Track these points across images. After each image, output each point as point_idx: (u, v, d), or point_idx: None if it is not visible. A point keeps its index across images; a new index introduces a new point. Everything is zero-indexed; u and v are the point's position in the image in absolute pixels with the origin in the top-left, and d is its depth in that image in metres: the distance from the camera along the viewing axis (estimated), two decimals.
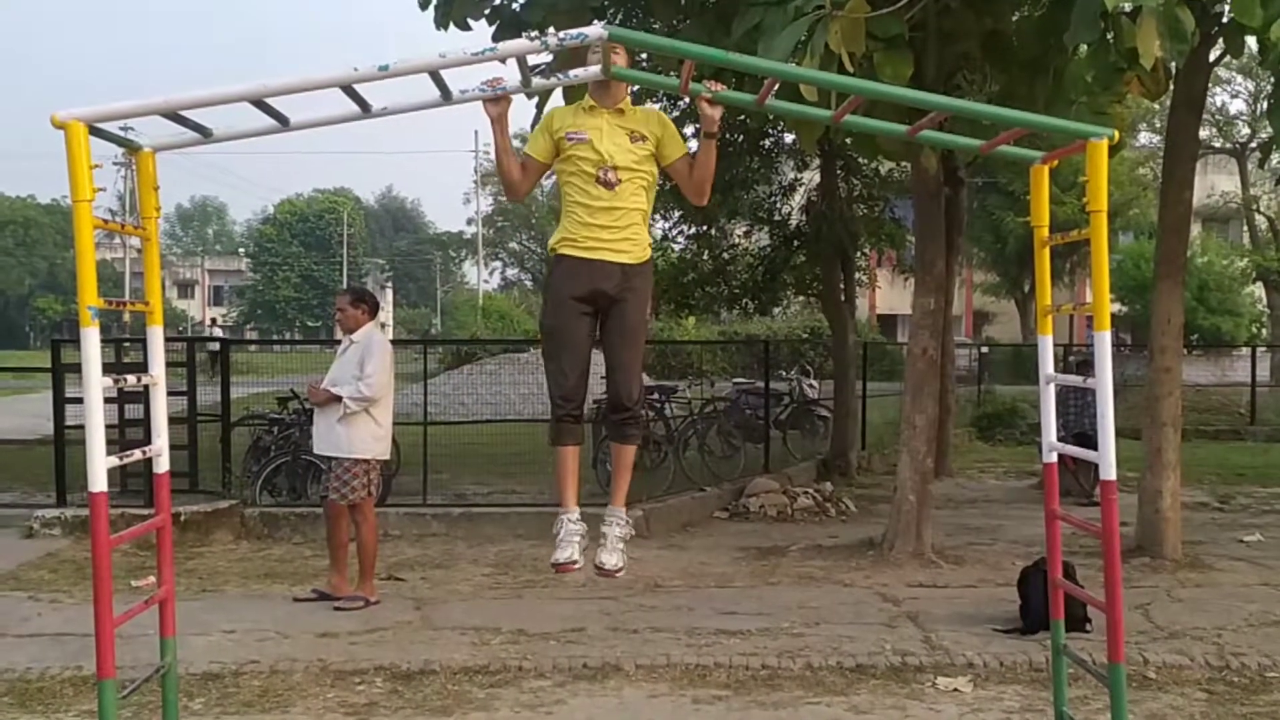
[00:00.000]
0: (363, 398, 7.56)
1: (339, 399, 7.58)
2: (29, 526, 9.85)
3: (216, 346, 13.09)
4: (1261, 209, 35.23)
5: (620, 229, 4.63)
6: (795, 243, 16.07)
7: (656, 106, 15.12)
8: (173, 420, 7.62)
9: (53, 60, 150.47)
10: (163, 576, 4.41)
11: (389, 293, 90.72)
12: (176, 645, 4.52)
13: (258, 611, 7.46)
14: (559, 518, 4.66)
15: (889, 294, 33.73)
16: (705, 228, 16.09)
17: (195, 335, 48.11)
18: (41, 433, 13.57)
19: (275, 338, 60.57)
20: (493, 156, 5.04)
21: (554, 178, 4.93)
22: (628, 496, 4.84)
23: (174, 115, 3.95)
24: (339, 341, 8.28)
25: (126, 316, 37.35)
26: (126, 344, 12.48)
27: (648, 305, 4.87)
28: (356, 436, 7.62)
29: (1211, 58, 9.48)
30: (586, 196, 4.62)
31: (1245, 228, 37.51)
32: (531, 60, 4.58)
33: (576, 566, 4.59)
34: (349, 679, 6.07)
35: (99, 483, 3.74)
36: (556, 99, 8.36)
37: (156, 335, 4.32)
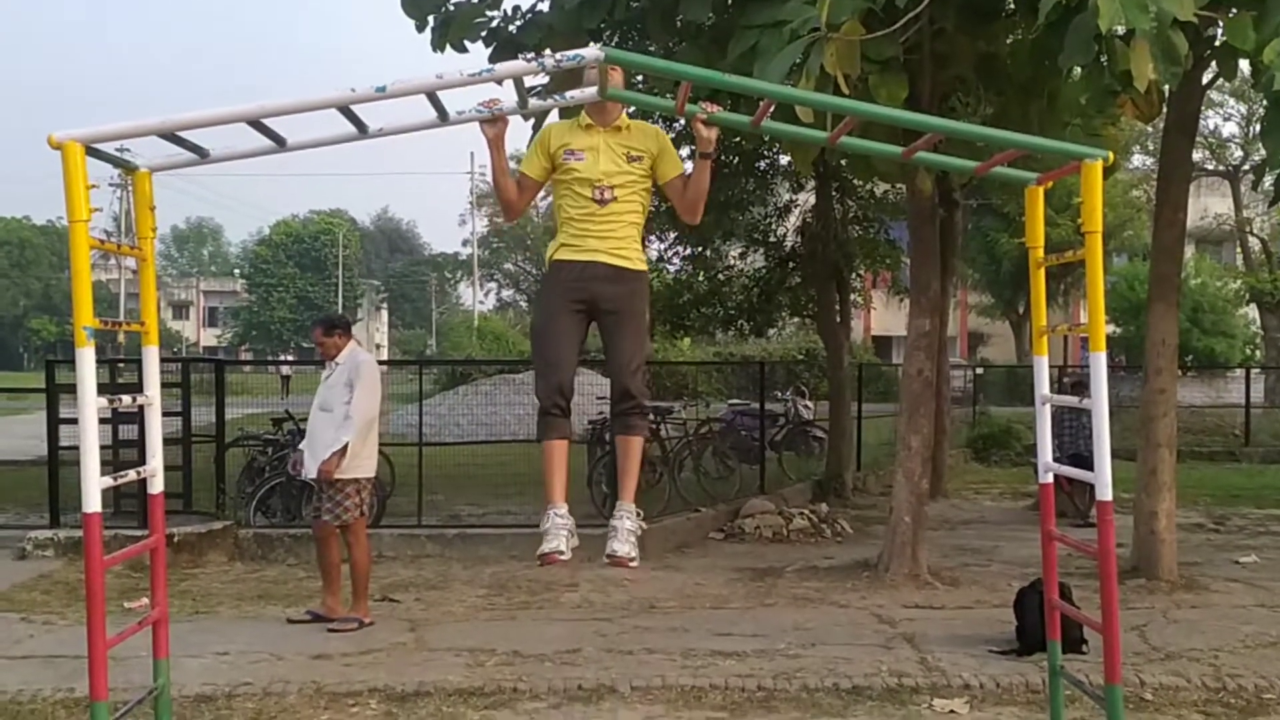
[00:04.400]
0: (356, 432, 7.56)
1: (343, 452, 7.55)
2: (22, 548, 9.80)
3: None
4: (1255, 231, 35.41)
5: (616, 238, 4.67)
6: (790, 264, 16.11)
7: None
8: (167, 441, 7.64)
9: (50, 82, 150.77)
10: (156, 598, 4.40)
11: (384, 314, 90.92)
12: (170, 667, 4.50)
13: (251, 633, 7.43)
14: (546, 512, 4.62)
15: (884, 315, 33.86)
16: (700, 249, 16.13)
17: (190, 356, 48.12)
18: (35, 454, 13.53)
19: (270, 359, 60.48)
20: (489, 178, 5.07)
21: (549, 199, 4.96)
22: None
23: (171, 136, 3.96)
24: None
25: (121, 337, 37.32)
26: (121, 365, 12.48)
27: (645, 304, 4.87)
28: (349, 456, 7.60)
29: (1205, 80, 9.53)
30: (582, 212, 4.66)
31: (1239, 250, 37.68)
32: (528, 81, 4.61)
33: (563, 558, 4.54)
34: (343, 701, 6.03)
35: (93, 503, 3.73)
36: (553, 120, 8.42)
37: (152, 355, 4.32)
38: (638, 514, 4.75)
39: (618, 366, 4.75)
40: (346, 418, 7.56)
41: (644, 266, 4.81)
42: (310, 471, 7.75)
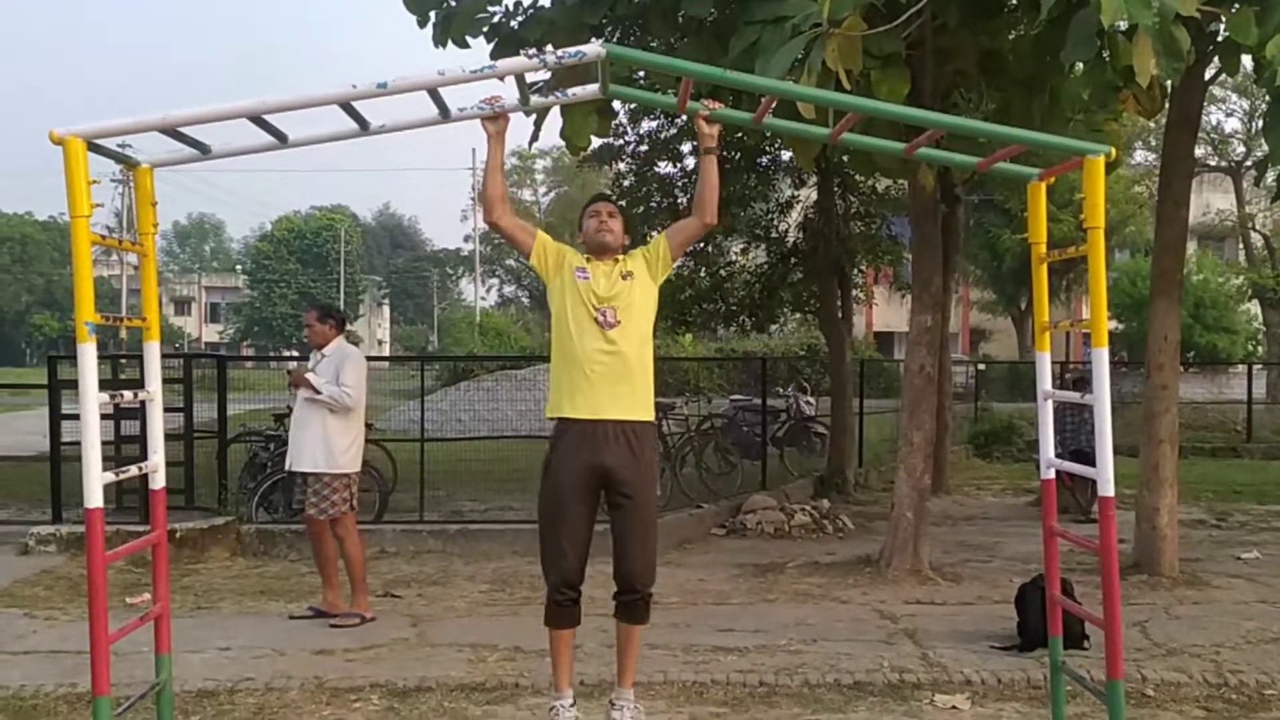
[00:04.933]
0: (342, 404, 7.57)
1: (315, 390, 7.55)
2: (24, 543, 9.81)
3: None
4: (1257, 227, 35.36)
5: (623, 382, 4.77)
6: (792, 260, 16.10)
7: (655, 125, 15.20)
8: (169, 437, 7.65)
9: (51, 78, 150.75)
10: (158, 593, 4.41)
11: (386, 310, 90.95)
12: (172, 662, 4.51)
13: (253, 628, 7.44)
14: (553, 706, 4.81)
15: (886, 311, 33.79)
16: (702, 245, 16.12)
17: (192, 352, 48.08)
18: (37, 449, 13.54)
19: (272, 354, 60.50)
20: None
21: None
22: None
23: (172, 132, 3.97)
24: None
25: (123, 333, 37.36)
26: (123, 360, 12.49)
27: (657, 482, 4.99)
28: (337, 450, 7.60)
29: (1207, 76, 9.51)
30: (583, 343, 4.77)
31: (1241, 245, 37.64)
32: (530, 78, 4.61)
33: None
34: (345, 696, 6.04)
35: (95, 499, 3.74)
36: (555, 117, 8.42)
37: (153, 351, 4.32)
38: (637, 706, 4.87)
39: (625, 558, 4.86)
40: (340, 384, 7.58)
41: (653, 413, 4.95)
42: (295, 465, 7.75)
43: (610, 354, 4.75)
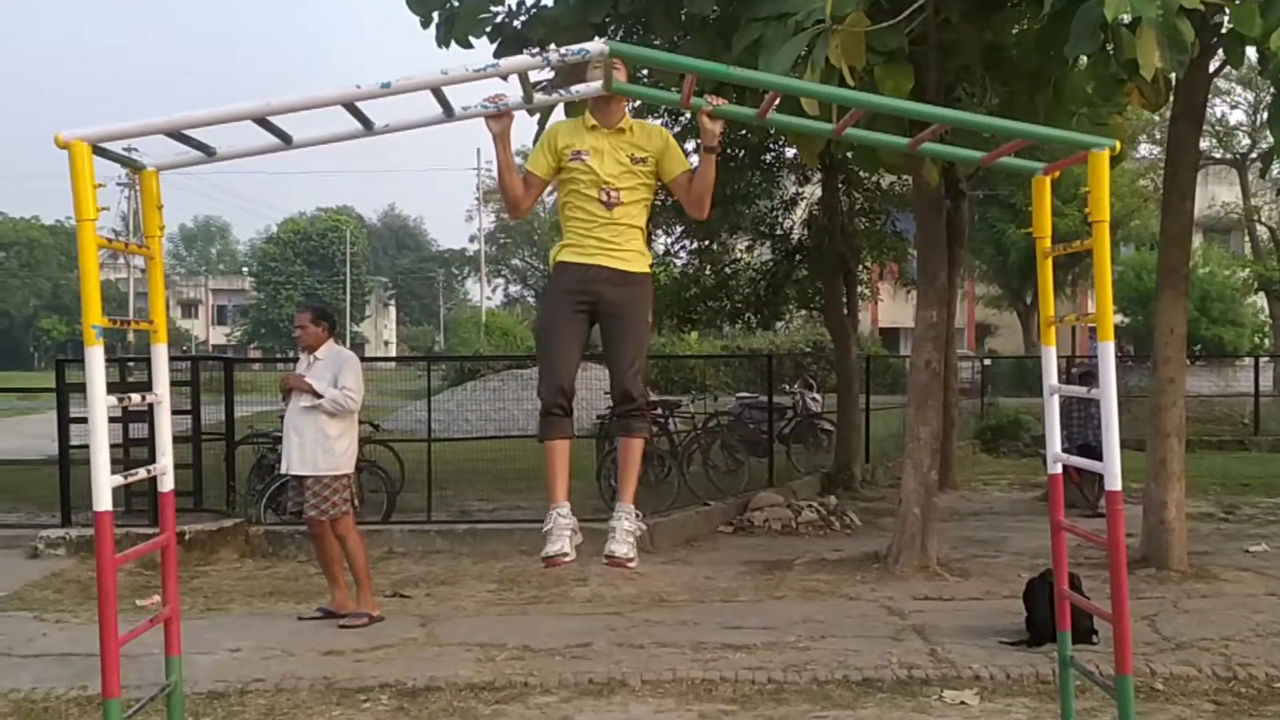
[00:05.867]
0: (343, 408, 7.59)
1: (317, 395, 7.56)
2: (34, 547, 9.85)
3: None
4: (1263, 219, 35.26)
5: (619, 242, 4.70)
6: (797, 257, 16.08)
7: (658, 122, 15.19)
8: (177, 439, 7.63)
9: (55, 82, 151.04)
10: (167, 595, 4.41)
11: (392, 310, 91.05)
12: (182, 664, 4.52)
13: (263, 629, 7.45)
14: (549, 512, 4.62)
15: (891, 307, 33.78)
16: (707, 242, 16.12)
17: (200, 354, 48.21)
18: (46, 453, 13.56)
19: (279, 356, 60.59)
20: (495, 174, 5.08)
21: (555, 195, 4.99)
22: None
23: (177, 135, 3.97)
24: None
25: (131, 337, 37.43)
26: (131, 364, 12.52)
27: (649, 306, 4.90)
28: (337, 451, 7.62)
29: (1211, 68, 9.50)
30: (586, 214, 4.69)
31: (1247, 238, 37.53)
32: (533, 76, 4.60)
33: (567, 559, 4.55)
34: (354, 696, 6.05)
35: (103, 502, 3.74)
36: (558, 115, 8.42)
37: (161, 354, 4.33)
38: (637, 515, 4.77)
39: (618, 369, 4.77)
40: (340, 387, 7.59)
41: (647, 269, 4.83)
42: (291, 468, 7.76)
43: (608, 223, 4.68)
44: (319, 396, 7.57)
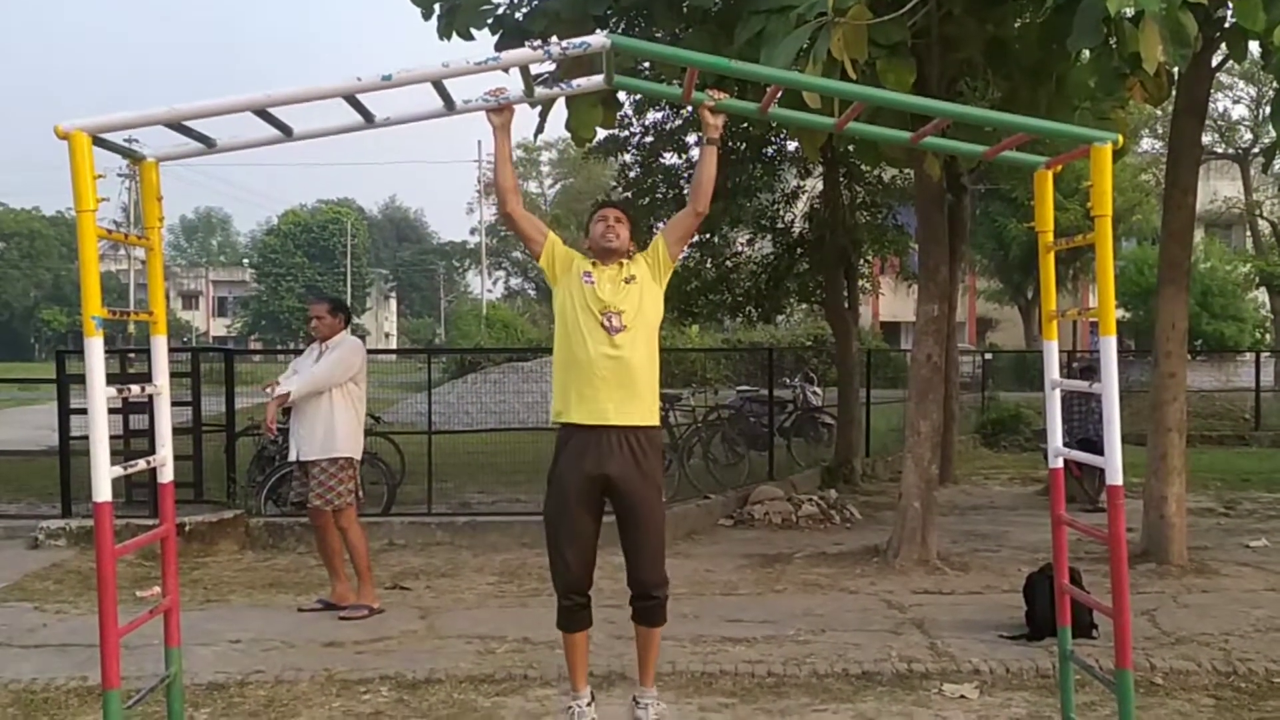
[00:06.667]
0: (313, 387, 7.54)
1: (281, 399, 7.56)
2: (34, 537, 9.85)
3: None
4: (1264, 214, 35.29)
5: (627, 388, 4.77)
6: (798, 250, 16.08)
7: (660, 115, 15.18)
8: (177, 430, 7.64)
9: (59, 74, 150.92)
10: (167, 586, 4.42)
11: (393, 303, 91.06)
12: (181, 655, 4.52)
13: (263, 621, 7.46)
14: (570, 706, 4.85)
15: (892, 301, 33.77)
16: (708, 236, 16.11)
17: (200, 346, 48.17)
18: (47, 444, 13.59)
19: (279, 348, 60.60)
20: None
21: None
22: None
23: (177, 126, 3.97)
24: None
25: (131, 328, 37.46)
26: (131, 355, 12.52)
27: (661, 484, 5.00)
28: (341, 435, 7.59)
29: (1214, 63, 9.47)
30: (588, 347, 4.80)
31: (1248, 233, 37.56)
32: (534, 69, 4.60)
33: None
34: (354, 688, 6.06)
35: (103, 493, 3.75)
36: (560, 109, 8.42)
37: (160, 345, 4.33)
38: (659, 703, 4.96)
39: (638, 563, 4.89)
40: (311, 374, 7.58)
41: (657, 418, 4.95)
42: (299, 454, 7.73)
43: (615, 359, 4.77)
44: (287, 396, 7.53)
